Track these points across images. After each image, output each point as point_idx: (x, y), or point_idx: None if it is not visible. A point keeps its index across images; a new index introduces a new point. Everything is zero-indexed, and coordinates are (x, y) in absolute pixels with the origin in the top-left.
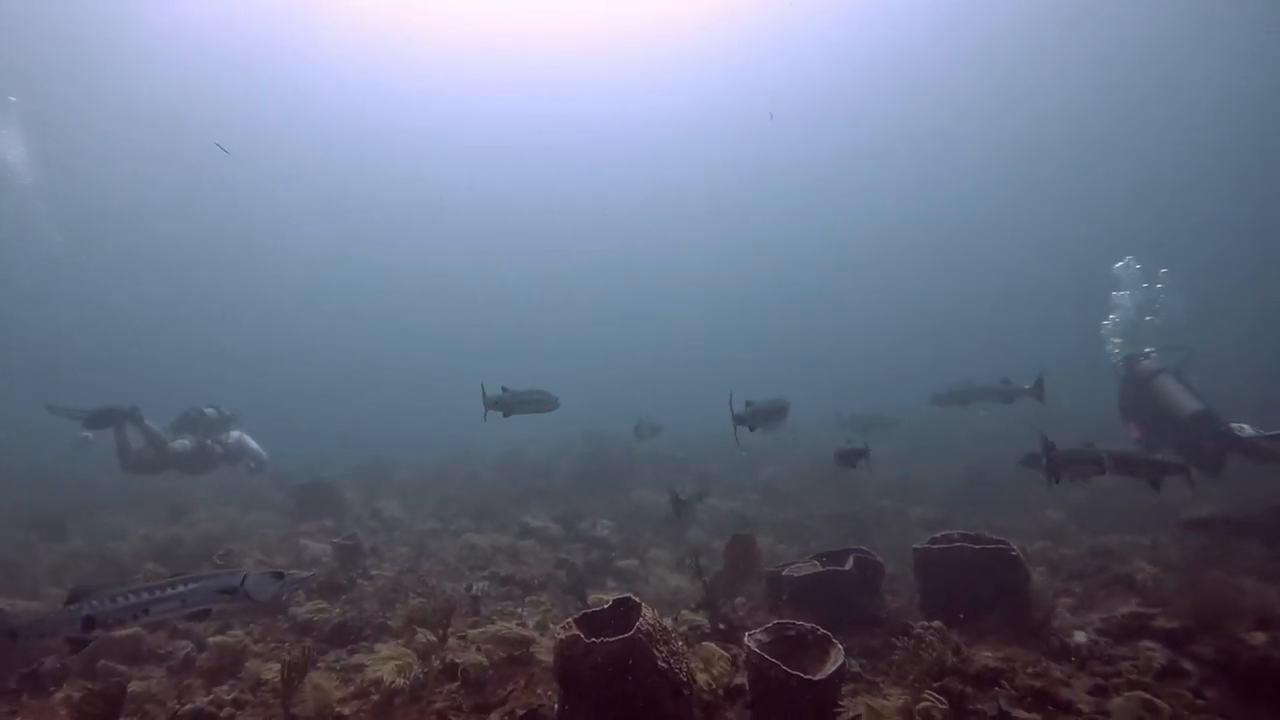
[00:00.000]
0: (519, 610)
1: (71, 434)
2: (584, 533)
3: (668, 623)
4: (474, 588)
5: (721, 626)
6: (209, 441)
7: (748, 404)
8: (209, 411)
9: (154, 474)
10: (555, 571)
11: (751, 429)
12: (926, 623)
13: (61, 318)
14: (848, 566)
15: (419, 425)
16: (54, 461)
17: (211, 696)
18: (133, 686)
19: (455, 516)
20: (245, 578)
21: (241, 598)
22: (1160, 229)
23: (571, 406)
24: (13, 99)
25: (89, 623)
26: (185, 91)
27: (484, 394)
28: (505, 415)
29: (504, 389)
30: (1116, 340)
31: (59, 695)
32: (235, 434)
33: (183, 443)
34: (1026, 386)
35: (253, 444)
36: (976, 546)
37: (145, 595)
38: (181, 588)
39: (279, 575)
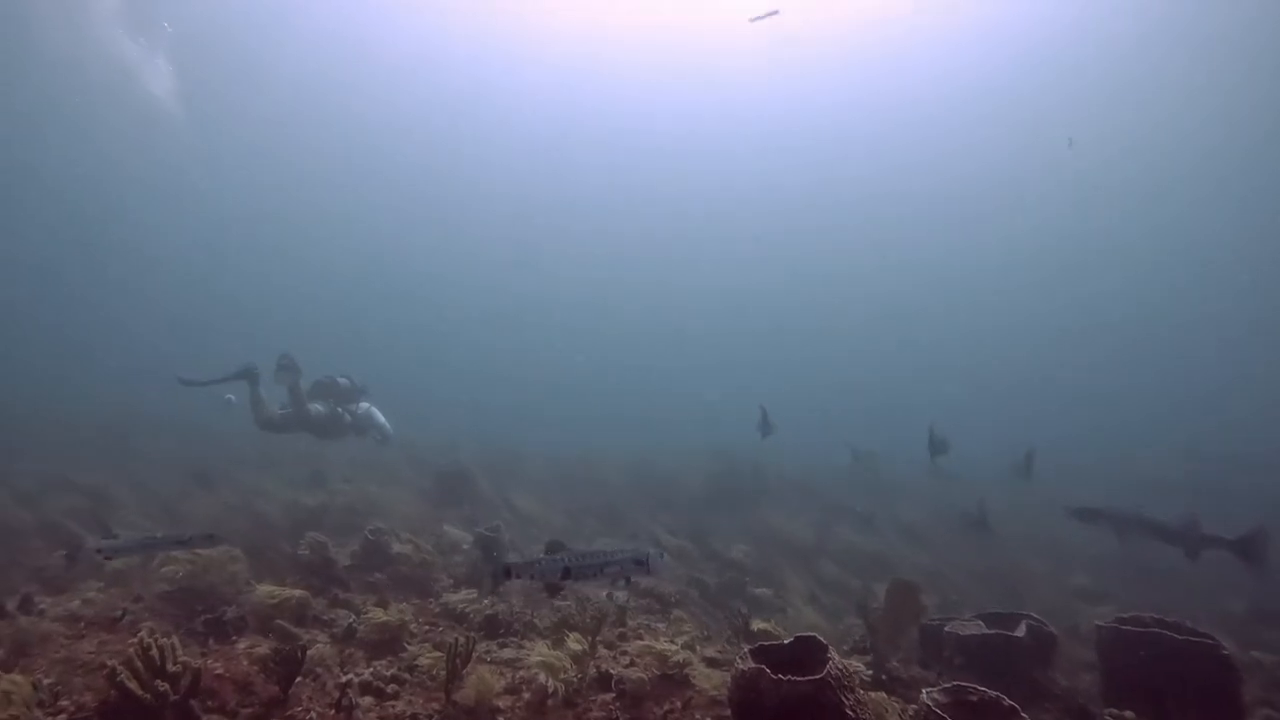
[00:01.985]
0: (662, 626)
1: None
2: (717, 552)
3: None
4: (614, 596)
5: (884, 677)
6: (339, 409)
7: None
8: (342, 381)
9: (285, 433)
10: (688, 589)
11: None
12: (1116, 711)
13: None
14: (1020, 633)
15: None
16: (193, 413)
17: (373, 669)
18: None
19: (585, 517)
20: (649, 555)
21: (645, 570)
22: None
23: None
24: (166, 25)
25: (566, 571)
26: (348, 69)
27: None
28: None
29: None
30: None
31: (241, 645)
32: (364, 405)
33: (316, 407)
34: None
35: (380, 417)
36: (1179, 637)
37: (601, 558)
38: (619, 555)
39: (662, 554)
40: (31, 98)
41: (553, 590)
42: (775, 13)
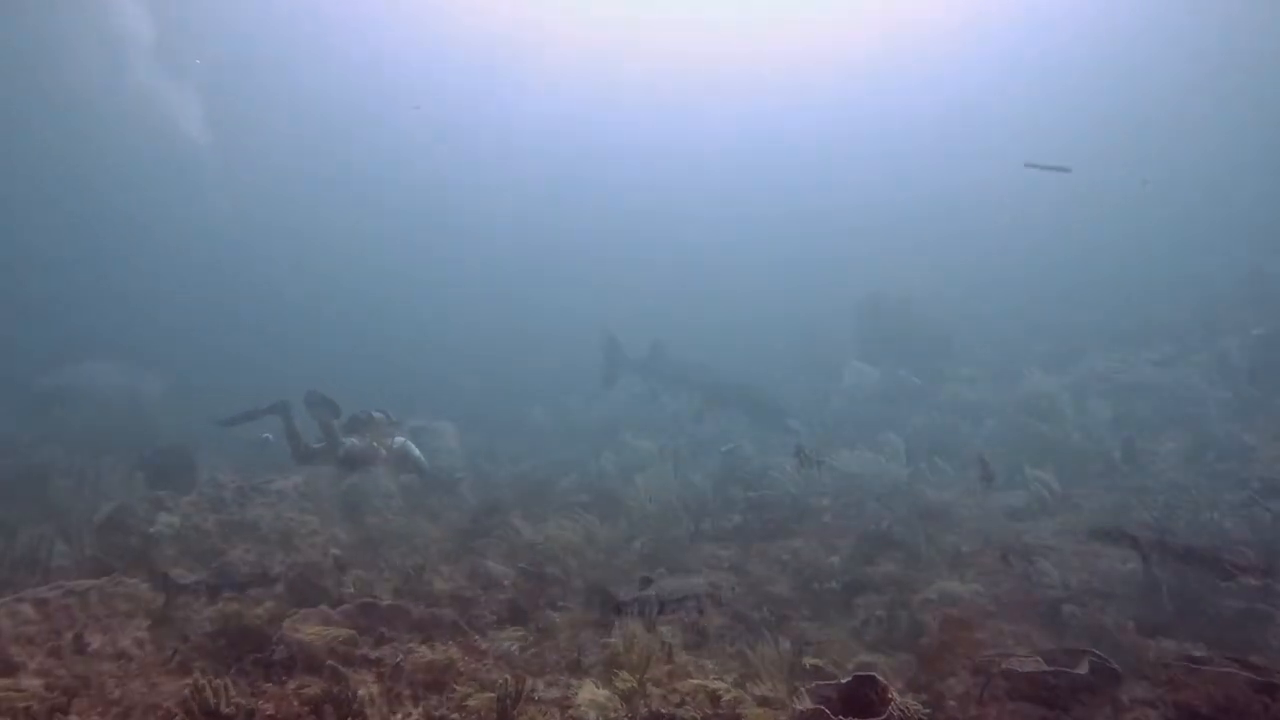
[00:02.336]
0: (709, 662)
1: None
2: (759, 584)
3: None
4: (660, 631)
5: (942, 717)
6: (374, 443)
7: None
8: (378, 415)
9: (322, 467)
10: (734, 624)
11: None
12: None
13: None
14: (1082, 670)
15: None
16: (225, 445)
17: (422, 709)
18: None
19: (623, 549)
20: (721, 589)
21: (718, 602)
22: None
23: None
24: (198, 61)
25: (662, 606)
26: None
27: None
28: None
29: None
30: None
31: (290, 685)
32: (399, 439)
33: (352, 441)
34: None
35: (415, 450)
36: (1258, 677)
37: (685, 591)
38: (698, 589)
39: (733, 588)
40: (51, 121)
41: (650, 624)
42: (1066, 170)
